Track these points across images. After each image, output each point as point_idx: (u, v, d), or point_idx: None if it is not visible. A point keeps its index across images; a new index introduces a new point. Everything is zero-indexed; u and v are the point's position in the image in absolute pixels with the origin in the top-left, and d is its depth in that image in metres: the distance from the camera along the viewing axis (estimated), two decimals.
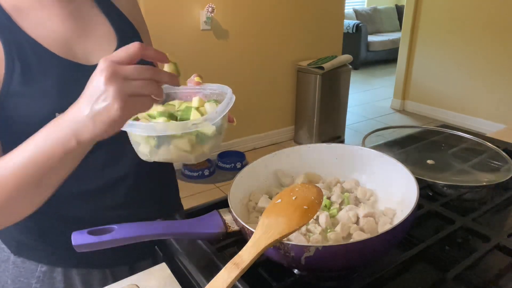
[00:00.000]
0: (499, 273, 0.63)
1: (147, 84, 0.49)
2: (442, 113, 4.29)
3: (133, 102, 0.49)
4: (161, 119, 0.58)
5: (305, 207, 0.55)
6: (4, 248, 0.76)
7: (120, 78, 0.48)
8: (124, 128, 0.54)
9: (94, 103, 0.48)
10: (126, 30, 0.80)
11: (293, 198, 0.57)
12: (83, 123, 0.49)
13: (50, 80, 0.66)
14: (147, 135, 0.56)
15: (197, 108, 0.61)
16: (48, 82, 0.66)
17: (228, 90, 0.62)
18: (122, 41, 0.77)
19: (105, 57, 0.49)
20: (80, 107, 0.50)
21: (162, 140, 0.56)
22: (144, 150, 0.59)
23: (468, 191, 0.83)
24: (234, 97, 0.60)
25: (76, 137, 0.50)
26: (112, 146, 0.72)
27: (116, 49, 0.74)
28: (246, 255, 0.49)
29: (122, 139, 0.73)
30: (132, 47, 0.49)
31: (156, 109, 0.60)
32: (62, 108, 0.65)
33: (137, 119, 0.60)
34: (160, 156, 0.58)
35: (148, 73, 0.49)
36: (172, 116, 0.59)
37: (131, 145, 0.74)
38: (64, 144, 0.51)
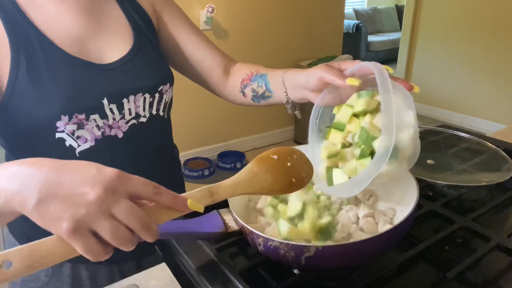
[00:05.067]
0: (499, 273, 0.63)
1: (120, 236, 0.38)
2: (442, 113, 4.29)
3: (83, 240, 0.37)
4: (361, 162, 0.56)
5: (293, 180, 0.54)
6: (15, 242, 0.77)
7: (104, 210, 0.37)
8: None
9: (57, 196, 0.37)
10: (143, 27, 0.77)
11: (288, 164, 0.55)
12: (26, 202, 0.38)
13: (58, 79, 0.64)
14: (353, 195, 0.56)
15: (365, 115, 0.58)
16: (56, 82, 0.64)
17: (377, 72, 0.53)
18: (138, 40, 0.75)
19: (120, 173, 0.39)
20: (37, 185, 0.37)
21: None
22: None
23: (468, 191, 0.83)
24: (385, 72, 0.54)
25: (7, 204, 0.39)
26: (122, 148, 0.72)
27: (131, 49, 0.73)
28: (222, 191, 0.49)
29: (132, 141, 0.73)
30: (148, 189, 0.40)
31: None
32: (70, 109, 0.64)
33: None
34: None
35: (136, 224, 0.38)
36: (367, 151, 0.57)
37: (139, 147, 0.74)
38: None
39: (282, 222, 0.59)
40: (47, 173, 0.38)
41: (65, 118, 0.64)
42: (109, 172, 0.38)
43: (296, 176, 0.54)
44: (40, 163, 0.40)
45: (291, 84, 0.73)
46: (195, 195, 0.46)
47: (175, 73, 0.83)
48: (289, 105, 0.77)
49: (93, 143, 0.68)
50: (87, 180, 0.37)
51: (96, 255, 0.38)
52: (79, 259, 0.74)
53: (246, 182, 0.51)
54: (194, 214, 0.69)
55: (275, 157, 0.55)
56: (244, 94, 0.85)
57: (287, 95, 0.75)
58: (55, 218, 0.36)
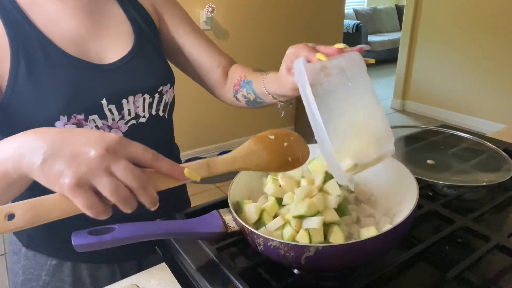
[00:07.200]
0: (499, 273, 0.63)
1: (120, 193, 0.40)
2: (442, 113, 4.29)
3: (84, 196, 0.39)
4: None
5: (289, 159, 0.55)
6: (17, 241, 0.77)
7: (105, 168, 0.39)
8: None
9: (61, 155, 0.39)
10: (144, 27, 0.77)
11: (285, 144, 0.57)
12: (32, 161, 0.40)
13: (57, 80, 0.64)
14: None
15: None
16: (55, 82, 0.64)
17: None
18: (138, 40, 0.75)
19: (121, 137, 0.42)
20: (43, 147, 0.40)
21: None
22: None
23: (468, 191, 0.83)
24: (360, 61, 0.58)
25: (17, 167, 0.42)
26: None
27: (131, 49, 0.73)
28: (220, 165, 0.50)
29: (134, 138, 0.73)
30: (147, 155, 0.43)
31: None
32: (69, 110, 0.64)
33: None
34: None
35: (134, 182, 0.40)
36: None
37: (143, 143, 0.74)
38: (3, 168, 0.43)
39: (287, 227, 0.59)
40: (52, 137, 0.41)
41: (63, 119, 0.64)
42: (112, 135, 0.41)
43: (292, 155, 0.56)
44: (45, 130, 0.42)
45: (275, 92, 0.73)
46: (193, 166, 0.47)
47: (175, 73, 0.83)
48: (283, 111, 0.77)
49: None
50: (90, 141, 0.40)
51: (96, 212, 0.39)
52: (80, 258, 0.75)
53: (243, 158, 0.52)
54: (194, 214, 0.69)
55: (272, 137, 0.57)
56: (237, 99, 0.85)
57: (278, 100, 0.75)
58: (58, 175, 0.38)
